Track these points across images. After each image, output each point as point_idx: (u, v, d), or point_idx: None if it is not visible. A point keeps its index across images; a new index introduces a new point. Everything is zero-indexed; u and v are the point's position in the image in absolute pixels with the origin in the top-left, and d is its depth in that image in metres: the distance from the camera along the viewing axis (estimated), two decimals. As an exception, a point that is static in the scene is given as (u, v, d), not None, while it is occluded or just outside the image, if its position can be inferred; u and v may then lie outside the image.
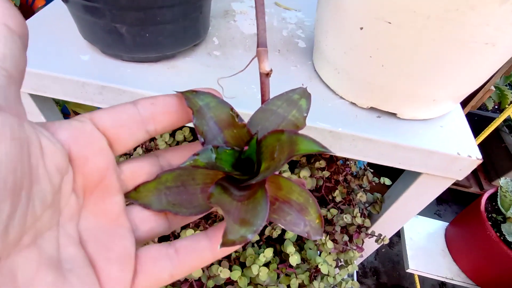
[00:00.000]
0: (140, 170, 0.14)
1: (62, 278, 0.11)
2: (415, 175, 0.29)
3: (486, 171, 1.15)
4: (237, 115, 0.15)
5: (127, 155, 0.39)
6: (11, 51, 0.10)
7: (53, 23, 0.32)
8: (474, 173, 1.15)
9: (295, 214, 0.15)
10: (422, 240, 0.80)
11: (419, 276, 0.78)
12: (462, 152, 0.25)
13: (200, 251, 0.14)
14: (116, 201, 0.13)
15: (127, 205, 0.14)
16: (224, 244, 0.12)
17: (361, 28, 0.22)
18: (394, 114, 0.27)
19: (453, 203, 1.20)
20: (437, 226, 0.83)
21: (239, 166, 0.15)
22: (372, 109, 0.27)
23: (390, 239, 0.78)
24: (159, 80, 0.28)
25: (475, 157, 0.25)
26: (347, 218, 0.31)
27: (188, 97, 0.15)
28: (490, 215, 0.69)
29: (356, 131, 0.25)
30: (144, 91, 0.27)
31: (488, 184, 1.14)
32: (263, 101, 0.17)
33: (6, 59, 0.10)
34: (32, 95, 0.31)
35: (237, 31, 0.35)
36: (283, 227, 0.15)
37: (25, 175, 0.10)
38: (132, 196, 0.14)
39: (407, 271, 0.73)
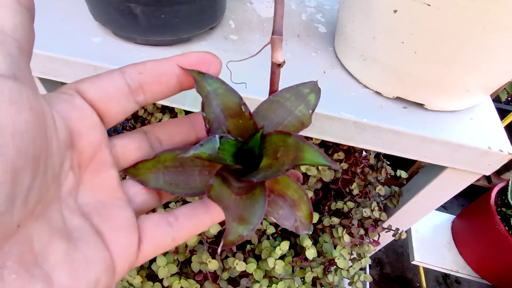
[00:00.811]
0: (130, 145, 0.14)
1: (73, 246, 0.11)
2: (439, 169, 0.28)
3: (494, 164, 1.14)
4: (245, 104, 0.15)
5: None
6: (20, 22, 0.10)
7: (62, 2, 0.30)
8: (482, 166, 1.13)
9: (288, 209, 0.15)
10: (428, 232, 0.79)
11: (423, 268, 0.78)
12: (493, 146, 0.24)
13: (199, 216, 0.15)
14: (111, 175, 0.13)
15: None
16: (225, 245, 0.13)
17: (395, 11, 0.21)
18: (421, 105, 0.26)
19: (460, 196, 1.19)
20: (444, 219, 0.82)
21: (240, 157, 0.15)
22: (398, 99, 0.26)
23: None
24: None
25: (507, 151, 0.24)
26: (366, 212, 0.30)
27: (196, 79, 0.14)
28: (499, 209, 0.69)
29: (381, 122, 0.24)
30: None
31: (496, 178, 1.12)
32: (271, 92, 0.17)
33: (17, 30, 0.10)
34: (41, 79, 0.30)
35: (254, 14, 0.34)
36: (274, 220, 0.15)
37: (43, 146, 0.10)
38: (130, 172, 0.15)
39: (412, 263, 0.73)
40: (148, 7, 0.24)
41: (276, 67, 0.16)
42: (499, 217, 0.67)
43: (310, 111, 0.16)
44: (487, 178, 1.15)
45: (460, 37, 0.20)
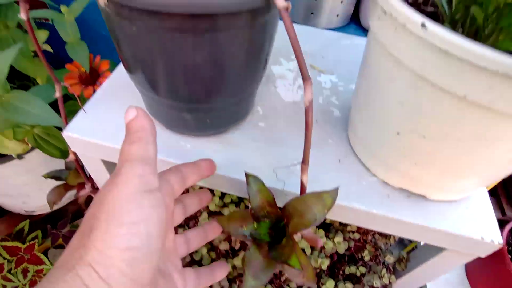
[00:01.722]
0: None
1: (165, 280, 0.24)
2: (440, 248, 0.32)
3: (509, 196, 1.13)
4: (274, 200, 0.25)
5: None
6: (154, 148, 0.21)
7: (119, 94, 0.37)
8: (496, 197, 1.13)
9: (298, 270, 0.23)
10: (441, 271, 0.80)
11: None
12: (486, 236, 0.28)
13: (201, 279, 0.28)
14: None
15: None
16: None
17: (398, 133, 0.26)
18: (423, 196, 0.30)
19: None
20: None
21: (272, 231, 0.25)
22: (402, 189, 0.31)
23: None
24: (216, 157, 0.32)
25: (497, 242, 0.28)
26: (376, 282, 0.34)
27: (249, 181, 0.25)
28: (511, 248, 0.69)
29: (388, 213, 0.29)
30: (202, 168, 0.31)
31: (511, 210, 1.12)
32: (301, 192, 0.25)
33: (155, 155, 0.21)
34: (103, 161, 0.36)
35: (278, 98, 0.39)
36: (288, 276, 0.28)
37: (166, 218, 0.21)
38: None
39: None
40: (198, 115, 0.30)
41: (303, 183, 0.24)
42: (510, 257, 0.68)
43: (326, 211, 0.23)
44: (501, 209, 1.14)
45: (455, 159, 0.24)
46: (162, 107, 0.30)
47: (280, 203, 0.26)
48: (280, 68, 0.44)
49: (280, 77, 0.42)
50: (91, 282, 0.14)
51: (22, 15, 0.25)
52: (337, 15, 0.67)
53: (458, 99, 0.19)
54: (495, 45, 0.19)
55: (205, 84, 0.26)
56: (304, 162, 0.23)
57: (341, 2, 0.65)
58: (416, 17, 0.18)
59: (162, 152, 0.32)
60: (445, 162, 0.24)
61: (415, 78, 0.21)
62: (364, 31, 0.69)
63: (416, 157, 0.25)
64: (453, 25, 0.24)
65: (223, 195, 0.41)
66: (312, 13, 0.66)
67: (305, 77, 0.21)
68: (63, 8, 0.49)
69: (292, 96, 0.40)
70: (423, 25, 0.18)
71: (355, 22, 0.72)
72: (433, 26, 0.17)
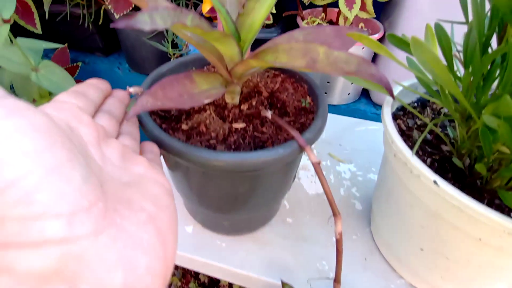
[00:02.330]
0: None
1: (140, 189, 0.17)
2: None
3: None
4: None
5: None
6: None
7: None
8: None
9: None
10: None
11: None
12: None
13: None
14: (114, 140, 0.20)
15: None
16: None
17: (421, 249, 0.28)
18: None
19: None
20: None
21: None
22: (430, 292, 0.32)
23: None
24: (250, 258, 0.35)
25: None
26: None
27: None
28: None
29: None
30: (238, 270, 0.33)
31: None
32: None
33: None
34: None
35: (302, 191, 0.43)
36: None
37: (67, 133, 0.15)
38: None
39: None
40: (234, 222, 0.33)
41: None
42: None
43: None
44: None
45: (479, 273, 0.26)
46: (203, 213, 0.34)
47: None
48: (302, 159, 0.48)
49: (303, 168, 0.46)
50: None
51: None
52: (349, 93, 0.73)
53: (474, 238, 0.22)
54: (500, 191, 0.22)
55: (245, 204, 0.29)
56: (337, 281, 0.26)
57: (351, 83, 0.71)
58: (429, 174, 0.22)
59: (198, 250, 0.35)
60: (469, 280, 0.26)
61: (432, 212, 0.24)
62: (374, 105, 0.75)
63: (442, 273, 0.28)
64: (460, 156, 0.28)
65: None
66: (325, 93, 0.73)
67: (335, 213, 0.24)
68: None
69: (315, 188, 0.43)
70: (435, 182, 0.21)
71: (365, 97, 0.78)
72: (444, 185, 0.21)
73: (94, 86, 0.22)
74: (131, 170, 0.18)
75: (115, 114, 0.22)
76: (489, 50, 0.22)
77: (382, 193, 0.33)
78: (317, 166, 0.23)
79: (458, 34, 0.26)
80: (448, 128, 0.29)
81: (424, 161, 0.29)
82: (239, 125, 0.27)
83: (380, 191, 0.34)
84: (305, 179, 0.45)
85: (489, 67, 0.22)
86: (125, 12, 0.61)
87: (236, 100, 0.30)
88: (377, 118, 0.76)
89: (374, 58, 0.72)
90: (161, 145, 0.24)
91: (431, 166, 0.28)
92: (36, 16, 0.65)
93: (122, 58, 0.86)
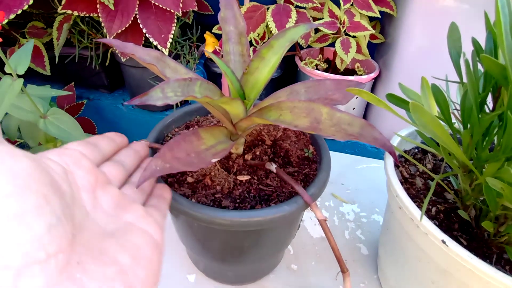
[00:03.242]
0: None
1: (121, 239, 0.16)
2: None
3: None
4: None
5: None
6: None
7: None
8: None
9: None
10: None
11: None
12: None
13: None
14: (113, 187, 0.19)
15: None
16: None
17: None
18: None
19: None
20: None
21: None
22: None
23: None
24: (254, 311, 0.33)
25: None
26: None
27: None
28: None
29: None
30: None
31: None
32: None
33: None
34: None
35: (306, 234, 0.42)
36: None
37: (51, 179, 0.14)
38: None
39: None
40: (238, 272, 0.33)
41: None
42: None
43: None
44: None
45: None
46: (206, 263, 0.33)
47: None
48: (305, 199, 0.48)
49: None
50: None
51: None
52: (348, 128, 0.74)
53: (487, 298, 0.21)
54: (508, 248, 0.22)
55: (249, 255, 0.29)
56: None
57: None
58: (437, 233, 0.22)
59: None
60: None
61: (443, 269, 0.23)
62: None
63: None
64: (465, 207, 0.28)
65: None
66: (325, 128, 0.74)
67: (343, 270, 0.24)
68: None
69: (319, 231, 0.43)
70: (443, 242, 0.21)
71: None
72: (453, 245, 0.21)
73: (108, 138, 0.23)
74: (121, 218, 0.17)
75: (125, 163, 0.22)
76: (486, 108, 0.23)
77: (388, 240, 0.32)
78: (323, 224, 0.23)
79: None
80: (450, 177, 0.30)
81: (429, 210, 0.29)
82: (244, 177, 0.28)
83: (386, 236, 0.33)
84: (309, 221, 0.44)
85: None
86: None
87: (240, 150, 0.31)
88: (377, 152, 0.76)
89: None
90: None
91: (436, 216, 0.28)
92: (46, 59, 0.68)
93: (126, 95, 0.88)
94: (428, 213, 0.28)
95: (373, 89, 0.77)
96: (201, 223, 0.24)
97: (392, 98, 0.24)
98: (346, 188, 0.50)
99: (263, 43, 0.65)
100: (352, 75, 0.71)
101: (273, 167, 0.27)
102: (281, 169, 0.28)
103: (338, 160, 0.56)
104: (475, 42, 0.24)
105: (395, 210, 0.28)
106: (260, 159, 0.31)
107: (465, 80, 0.25)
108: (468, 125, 0.23)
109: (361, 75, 0.71)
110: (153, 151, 0.28)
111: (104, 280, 0.13)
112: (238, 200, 0.26)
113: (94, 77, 0.84)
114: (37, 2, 0.65)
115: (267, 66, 0.27)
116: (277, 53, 0.26)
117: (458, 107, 0.28)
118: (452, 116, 0.24)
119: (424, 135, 0.26)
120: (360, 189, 0.50)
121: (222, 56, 0.29)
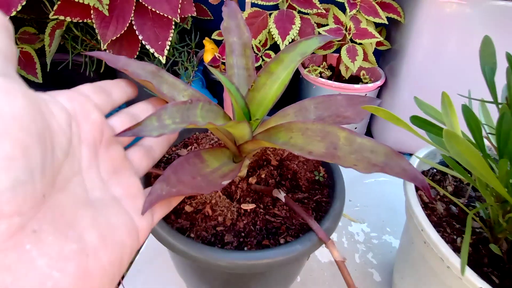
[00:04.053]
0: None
1: (98, 214, 0.13)
2: None
3: None
4: None
5: None
6: (2, 37, 0.12)
7: (155, 264, 0.37)
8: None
9: None
10: None
11: None
12: None
13: None
14: (118, 148, 0.17)
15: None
16: None
17: None
18: None
19: None
20: None
21: None
22: None
23: None
24: None
25: None
26: None
27: None
28: None
29: None
30: None
31: None
32: None
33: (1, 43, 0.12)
34: None
35: (314, 258, 0.39)
36: None
37: (44, 126, 0.11)
38: None
39: None
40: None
41: None
42: None
43: None
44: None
45: None
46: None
47: None
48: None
49: (313, 229, 0.43)
50: None
51: None
52: (353, 138, 0.72)
53: None
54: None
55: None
56: None
57: (355, 128, 0.70)
58: (475, 279, 0.19)
59: None
60: None
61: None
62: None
63: None
64: (496, 240, 0.25)
65: None
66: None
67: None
68: None
69: (328, 255, 0.40)
70: (482, 289, 0.18)
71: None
72: (493, 294, 0.18)
73: (121, 88, 0.20)
74: (109, 188, 0.16)
75: (139, 118, 0.20)
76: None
77: (406, 269, 0.29)
78: (342, 266, 0.20)
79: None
80: (477, 204, 0.27)
81: (454, 241, 0.26)
82: (249, 206, 0.25)
83: (403, 264, 0.30)
84: (316, 242, 0.41)
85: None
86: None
87: (244, 172, 0.28)
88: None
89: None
90: (161, 241, 0.21)
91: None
92: (38, 66, 0.65)
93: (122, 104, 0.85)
94: (453, 244, 0.25)
95: (378, 97, 0.74)
96: (201, 264, 0.21)
97: (416, 120, 0.22)
98: (355, 205, 0.47)
99: (265, 50, 0.63)
100: (357, 82, 0.68)
101: (281, 195, 0.24)
102: (290, 196, 0.25)
103: (344, 174, 0.53)
104: (509, 57, 0.21)
105: (417, 242, 0.25)
106: (265, 183, 0.28)
107: (500, 99, 0.22)
108: (504, 152, 0.21)
109: (366, 83, 0.69)
110: (149, 177, 0.26)
111: (57, 258, 0.11)
112: (243, 234, 0.23)
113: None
114: (29, 7, 0.62)
115: (276, 83, 0.24)
116: (287, 68, 0.23)
117: (487, 129, 0.25)
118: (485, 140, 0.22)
119: (452, 161, 0.23)
120: (368, 206, 0.47)
121: (223, 64, 0.27)
